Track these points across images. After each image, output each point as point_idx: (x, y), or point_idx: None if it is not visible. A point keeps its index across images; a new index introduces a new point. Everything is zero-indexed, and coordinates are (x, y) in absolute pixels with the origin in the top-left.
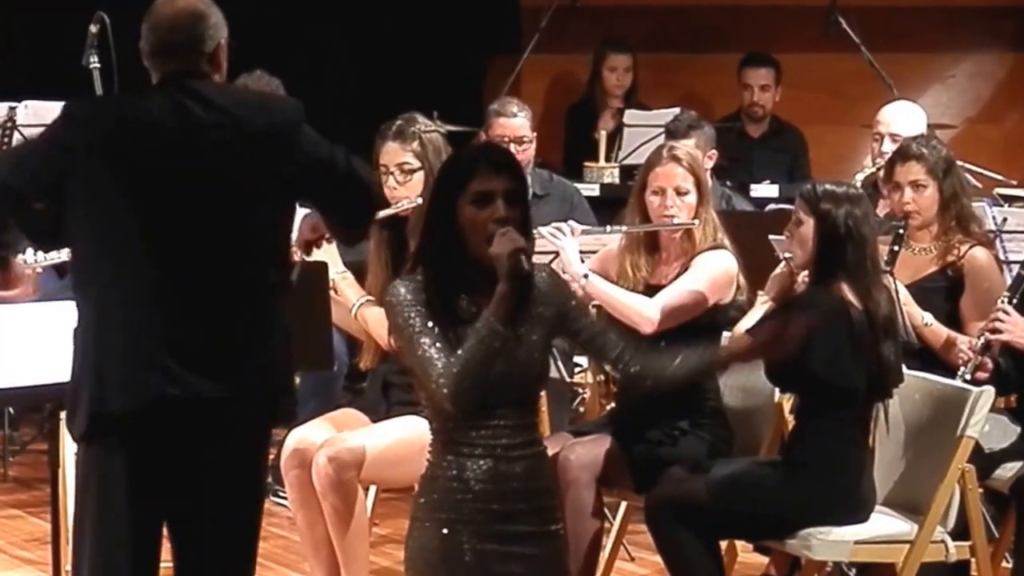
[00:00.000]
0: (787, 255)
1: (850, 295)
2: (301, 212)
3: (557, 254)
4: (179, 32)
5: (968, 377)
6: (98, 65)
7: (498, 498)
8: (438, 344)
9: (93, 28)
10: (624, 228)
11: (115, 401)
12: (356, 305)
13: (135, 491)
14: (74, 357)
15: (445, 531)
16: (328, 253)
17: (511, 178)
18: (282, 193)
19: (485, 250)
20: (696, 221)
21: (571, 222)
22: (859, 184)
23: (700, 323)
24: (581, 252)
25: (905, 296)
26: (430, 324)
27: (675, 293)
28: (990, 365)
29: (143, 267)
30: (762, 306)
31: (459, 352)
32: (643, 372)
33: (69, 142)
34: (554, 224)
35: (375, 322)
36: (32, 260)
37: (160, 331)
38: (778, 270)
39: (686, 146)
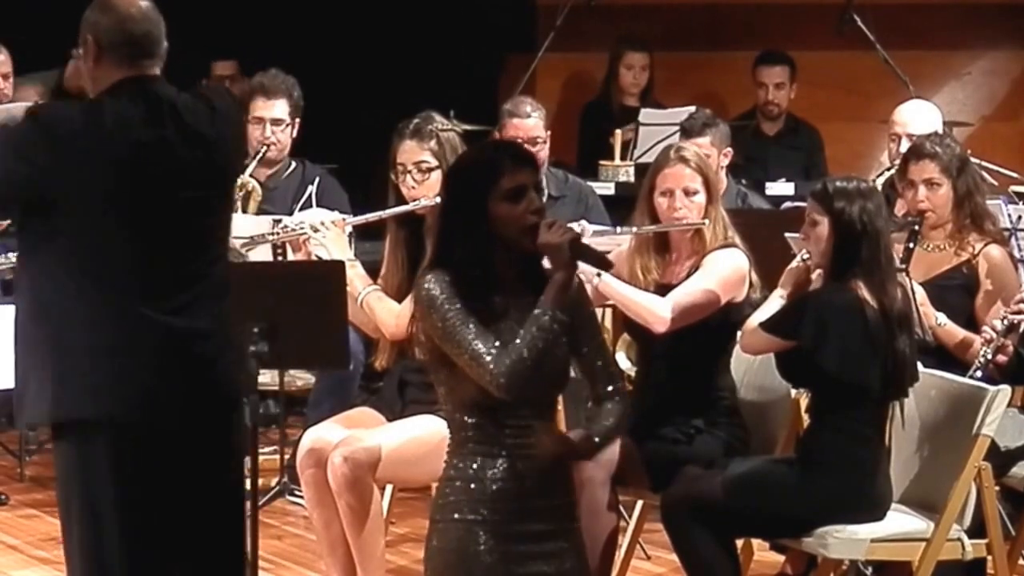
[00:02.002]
0: (805, 255)
1: (865, 292)
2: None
3: None
4: (153, 27)
5: (989, 356)
6: None
7: (516, 497)
8: (482, 336)
9: None
10: (635, 229)
11: (88, 406)
12: (362, 293)
13: (120, 483)
14: (29, 357)
15: (463, 532)
16: (338, 241)
17: (534, 170)
18: (229, 193)
19: (524, 243)
20: (706, 221)
21: (582, 222)
22: (880, 186)
23: (714, 321)
24: None
25: (921, 296)
26: (470, 319)
27: (687, 292)
28: (1011, 348)
29: (118, 275)
30: (778, 299)
31: (516, 342)
32: (588, 419)
33: (48, 161)
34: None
35: (381, 311)
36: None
37: (139, 334)
38: (794, 263)
39: (693, 146)
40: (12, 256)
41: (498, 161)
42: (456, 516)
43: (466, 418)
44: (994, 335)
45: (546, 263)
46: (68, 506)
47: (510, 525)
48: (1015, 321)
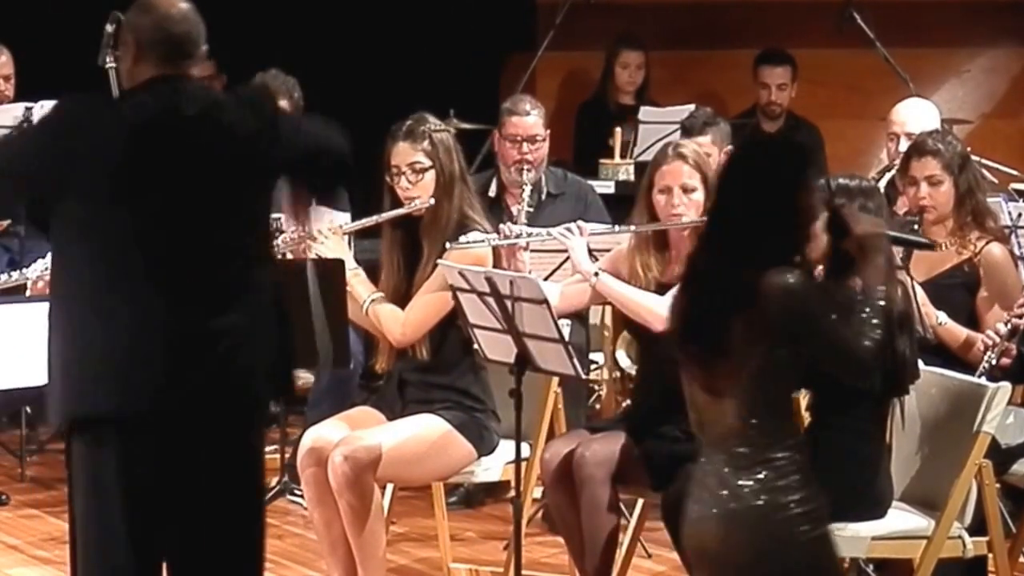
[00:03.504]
0: None
1: None
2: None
3: (567, 259)
4: (192, 28)
5: (994, 362)
6: (114, 65)
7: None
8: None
9: (109, 28)
10: (633, 227)
11: (102, 401)
12: (367, 302)
13: (128, 490)
14: (53, 356)
15: (812, 522)
16: (338, 249)
17: None
18: (266, 187)
19: (817, 233)
20: (705, 219)
21: (580, 222)
22: (883, 186)
23: None
24: (595, 251)
25: (921, 296)
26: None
27: None
28: (1014, 351)
29: (136, 270)
30: None
31: (864, 330)
32: None
33: (69, 145)
34: (564, 224)
35: (387, 319)
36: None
37: (151, 333)
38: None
39: (692, 144)
40: (14, 275)
41: (801, 153)
42: (820, 515)
43: (777, 420)
44: (998, 339)
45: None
46: (75, 499)
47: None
48: (1018, 324)
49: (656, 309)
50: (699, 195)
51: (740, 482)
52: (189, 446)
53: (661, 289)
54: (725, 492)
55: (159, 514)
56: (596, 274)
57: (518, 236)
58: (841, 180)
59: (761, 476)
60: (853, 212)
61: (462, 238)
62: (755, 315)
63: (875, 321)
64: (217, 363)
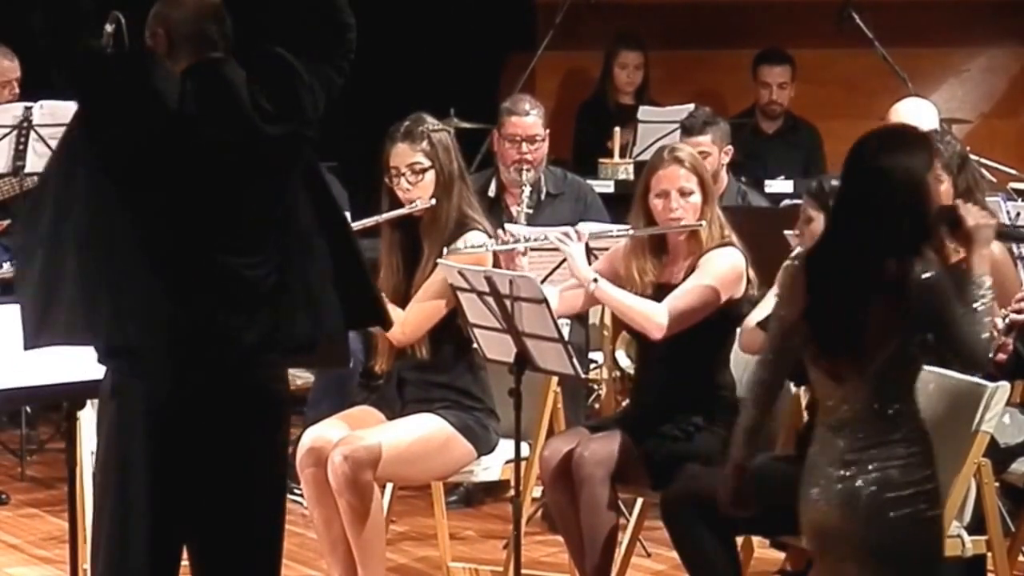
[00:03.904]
0: (798, 252)
1: None
2: None
3: (565, 259)
4: (222, 23)
5: (989, 355)
6: None
7: None
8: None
9: (108, 28)
10: (631, 230)
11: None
12: None
13: (152, 441)
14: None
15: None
16: None
17: None
18: (277, 186)
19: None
20: (703, 223)
21: (579, 226)
22: None
23: (713, 319)
24: (594, 250)
25: None
26: None
27: (684, 295)
28: (1011, 345)
29: (142, 265)
30: (775, 298)
31: (985, 323)
32: None
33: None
34: (561, 229)
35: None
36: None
37: (160, 331)
38: (788, 262)
39: (687, 146)
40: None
41: (928, 140)
42: (918, 490)
43: (899, 405)
44: (995, 332)
45: None
46: (103, 460)
47: None
48: (1016, 320)
49: (654, 317)
50: (696, 198)
51: (861, 464)
52: (209, 414)
53: (659, 290)
54: (846, 473)
55: (179, 474)
56: (594, 280)
57: (516, 241)
58: (834, 180)
59: (882, 458)
60: (964, 203)
61: (460, 240)
62: (893, 306)
63: (988, 314)
64: (229, 359)
